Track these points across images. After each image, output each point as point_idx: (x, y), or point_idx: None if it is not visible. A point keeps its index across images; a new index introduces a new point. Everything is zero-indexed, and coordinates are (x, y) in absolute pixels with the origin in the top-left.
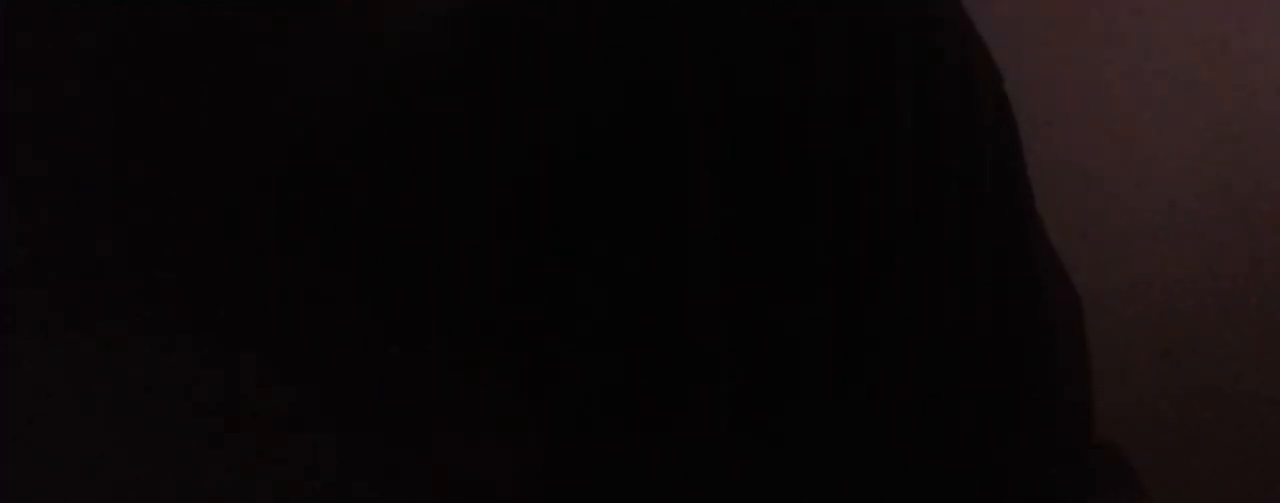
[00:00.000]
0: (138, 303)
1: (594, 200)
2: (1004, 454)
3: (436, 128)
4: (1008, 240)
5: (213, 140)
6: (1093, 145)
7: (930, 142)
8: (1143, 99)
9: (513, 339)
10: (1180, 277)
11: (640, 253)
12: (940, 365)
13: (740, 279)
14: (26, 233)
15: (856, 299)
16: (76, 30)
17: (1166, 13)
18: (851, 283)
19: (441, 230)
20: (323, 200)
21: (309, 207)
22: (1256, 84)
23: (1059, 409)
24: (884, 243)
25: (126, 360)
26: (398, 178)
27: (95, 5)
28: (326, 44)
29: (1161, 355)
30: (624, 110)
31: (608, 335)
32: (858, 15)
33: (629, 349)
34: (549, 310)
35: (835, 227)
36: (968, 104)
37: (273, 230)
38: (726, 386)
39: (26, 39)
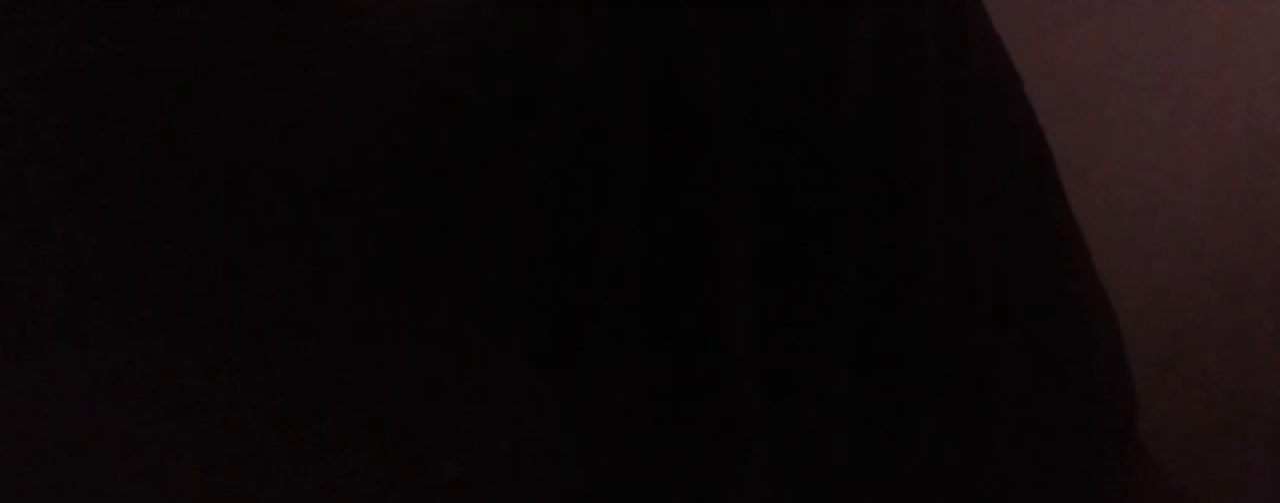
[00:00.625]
0: (153, 296)
1: (623, 195)
2: (1041, 454)
3: (471, 124)
4: (1037, 243)
5: (232, 140)
6: (1093, 146)
7: (957, 142)
8: (1143, 100)
9: (540, 335)
10: (1180, 277)
11: (668, 248)
12: (972, 363)
13: (768, 275)
14: (26, 234)
15: (885, 296)
16: (78, 30)
17: (1166, 14)
18: (880, 281)
19: (472, 227)
20: (352, 194)
21: (340, 198)
22: (1257, 85)
23: (1094, 411)
24: (911, 241)
25: (145, 352)
26: (428, 172)
27: (99, 5)
28: (353, 45)
29: (1161, 356)
30: (653, 109)
31: (635, 330)
32: (886, 18)
33: (657, 344)
34: (576, 306)
35: (863, 224)
36: (993, 105)
37: (306, 219)
38: (754, 379)
39: (26, 38)
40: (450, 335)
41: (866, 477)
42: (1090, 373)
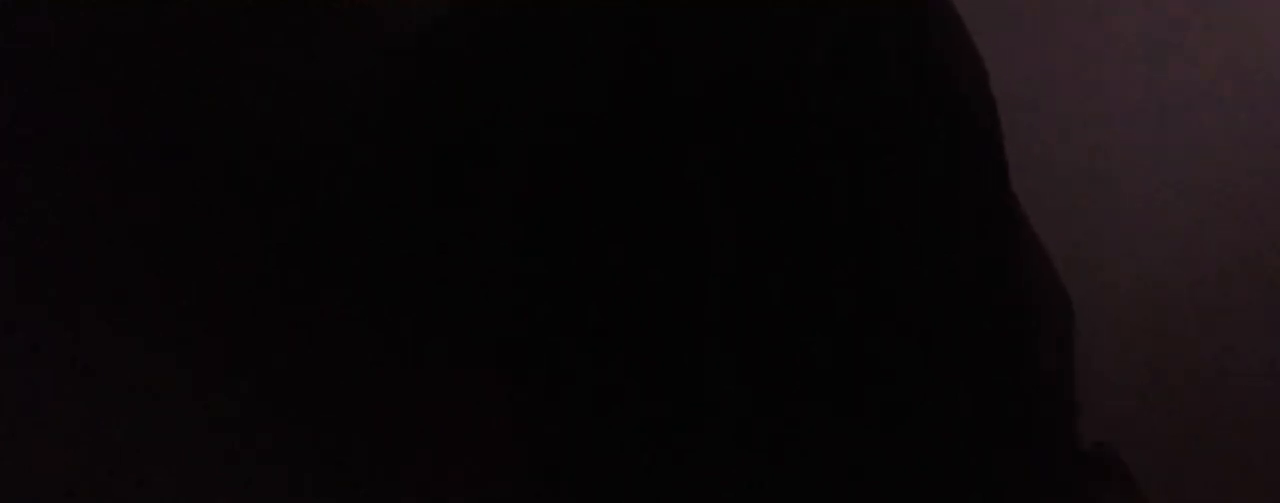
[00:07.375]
0: (131, 305)
1: (594, 203)
2: (995, 454)
3: (438, 129)
4: (995, 239)
5: (209, 142)
6: (1091, 145)
7: (918, 142)
8: (1142, 99)
9: (513, 344)
10: (1180, 277)
11: (641, 256)
12: (929, 362)
13: (733, 277)
14: (22, 233)
15: (851, 299)
16: (73, 30)
17: (1165, 12)
18: (845, 281)
19: (441, 233)
20: (322, 202)
21: (309, 209)
22: (1257, 83)
23: (1043, 407)
24: (874, 242)
25: (123, 364)
26: (399, 180)
27: (93, 5)
28: (325, 47)
29: (1161, 356)
30: (623, 113)
31: (610, 341)
32: (851, 17)
33: (631, 356)
34: (552, 315)
35: (831, 223)
36: (956, 103)
37: (273, 231)
38: (734, 380)
39: (23, 38)
40: (423, 344)
41: (840, 480)
42: (1034, 376)
